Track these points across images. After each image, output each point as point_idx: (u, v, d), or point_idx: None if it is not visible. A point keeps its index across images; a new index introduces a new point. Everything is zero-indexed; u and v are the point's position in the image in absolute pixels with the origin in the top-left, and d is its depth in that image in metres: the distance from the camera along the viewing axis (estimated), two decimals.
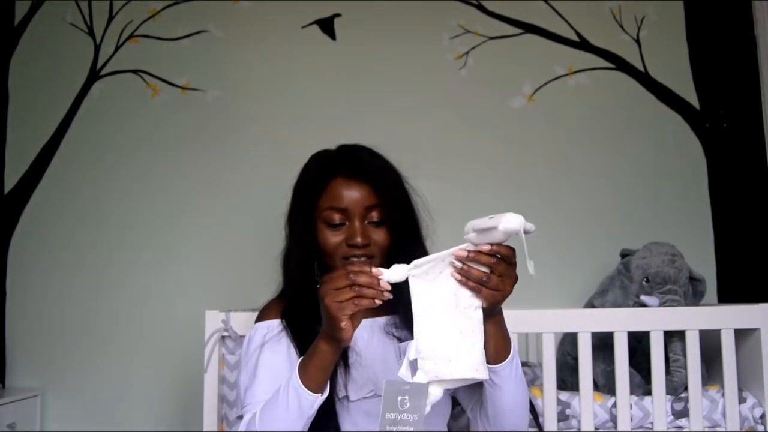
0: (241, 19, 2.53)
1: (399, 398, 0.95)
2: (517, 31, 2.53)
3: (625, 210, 2.45)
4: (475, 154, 2.47)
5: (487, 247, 0.99)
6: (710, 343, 1.78)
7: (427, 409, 0.98)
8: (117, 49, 2.52)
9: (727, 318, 1.71)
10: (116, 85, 2.51)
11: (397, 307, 1.13)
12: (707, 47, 2.52)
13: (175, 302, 2.39)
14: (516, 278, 1.03)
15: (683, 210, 2.45)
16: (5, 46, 2.52)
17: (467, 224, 1.02)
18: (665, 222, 2.43)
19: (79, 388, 2.39)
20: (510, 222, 0.96)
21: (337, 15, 2.53)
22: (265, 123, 2.49)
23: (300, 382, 1.02)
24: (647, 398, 1.72)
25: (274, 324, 1.21)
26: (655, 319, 1.71)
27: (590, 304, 1.99)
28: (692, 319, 1.70)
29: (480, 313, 1.00)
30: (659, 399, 1.68)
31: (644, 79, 2.51)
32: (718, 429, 1.70)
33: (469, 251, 0.99)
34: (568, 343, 1.92)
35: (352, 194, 1.18)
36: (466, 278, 0.99)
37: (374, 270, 0.98)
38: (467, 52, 2.52)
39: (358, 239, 1.16)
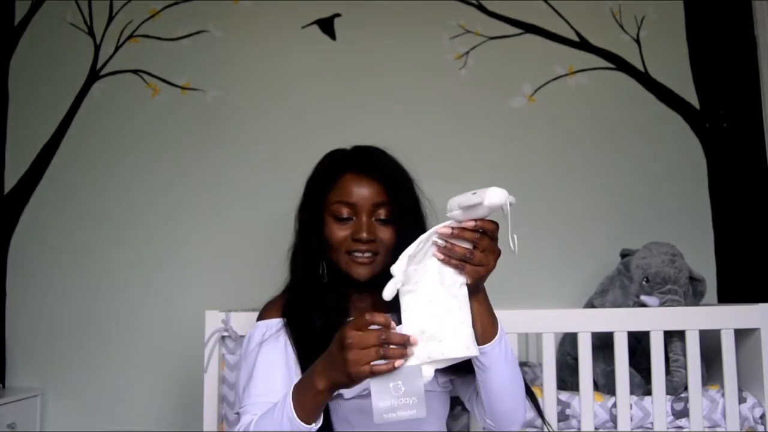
0: (241, 19, 2.53)
1: (391, 384, 0.91)
2: (517, 31, 2.53)
3: (625, 210, 2.45)
4: (474, 154, 2.47)
5: (471, 224, 0.99)
6: (710, 343, 1.78)
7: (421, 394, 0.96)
8: (117, 49, 2.52)
9: (727, 318, 1.71)
10: (116, 85, 2.51)
11: (394, 304, 1.14)
12: (707, 47, 2.52)
13: (175, 302, 2.39)
14: (499, 252, 1.03)
15: (683, 210, 2.45)
16: (5, 46, 2.52)
17: (450, 201, 1.02)
18: (665, 222, 2.43)
19: (79, 388, 2.39)
20: (494, 196, 0.94)
21: (337, 15, 2.53)
22: (265, 123, 2.49)
23: (294, 413, 0.99)
24: (647, 398, 1.72)
25: (273, 323, 1.22)
26: (655, 319, 1.71)
27: (590, 304, 1.99)
28: (692, 319, 1.70)
29: (465, 290, 1.01)
30: (659, 399, 1.68)
31: (644, 79, 2.52)
32: (718, 429, 1.70)
33: (453, 228, 0.99)
34: (568, 343, 1.92)
35: (361, 190, 1.19)
36: (449, 257, 1.00)
37: (393, 323, 0.95)
38: (467, 52, 2.52)
39: (364, 234, 1.17)
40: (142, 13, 2.53)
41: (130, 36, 2.53)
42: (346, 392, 1.14)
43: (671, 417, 1.70)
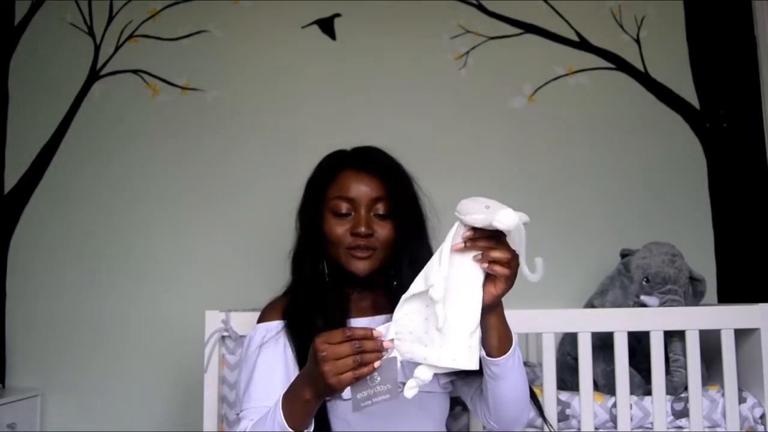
0: (241, 19, 2.53)
1: (368, 378, 0.93)
2: (517, 31, 2.53)
3: (625, 210, 2.45)
4: (474, 154, 2.47)
5: (499, 226, 0.97)
6: (710, 343, 1.78)
7: (414, 391, 0.96)
8: (117, 49, 2.52)
9: (727, 318, 1.71)
10: (116, 85, 2.51)
11: (394, 304, 1.14)
12: (707, 47, 2.52)
13: (175, 302, 2.39)
14: (516, 255, 1.00)
15: (683, 210, 2.45)
16: (5, 46, 2.52)
17: (461, 204, 0.99)
18: (665, 222, 2.43)
19: (79, 388, 2.39)
20: (504, 220, 0.94)
21: (337, 15, 2.53)
22: (265, 123, 2.49)
23: (285, 422, 1.00)
24: (647, 398, 1.71)
25: (273, 325, 1.22)
26: (655, 319, 1.71)
27: (590, 304, 1.99)
28: (692, 319, 1.70)
29: (477, 302, 0.98)
30: (659, 399, 1.68)
31: (644, 79, 2.51)
32: (718, 429, 1.70)
33: (465, 242, 0.97)
34: (568, 343, 1.92)
35: (360, 185, 1.20)
36: (478, 251, 0.97)
37: (375, 332, 0.95)
38: (467, 52, 2.52)
39: (362, 228, 1.18)
40: (142, 13, 2.53)
41: (130, 36, 2.52)
42: (345, 393, 1.14)
43: (671, 417, 1.70)
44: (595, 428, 1.68)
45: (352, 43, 2.52)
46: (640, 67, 2.52)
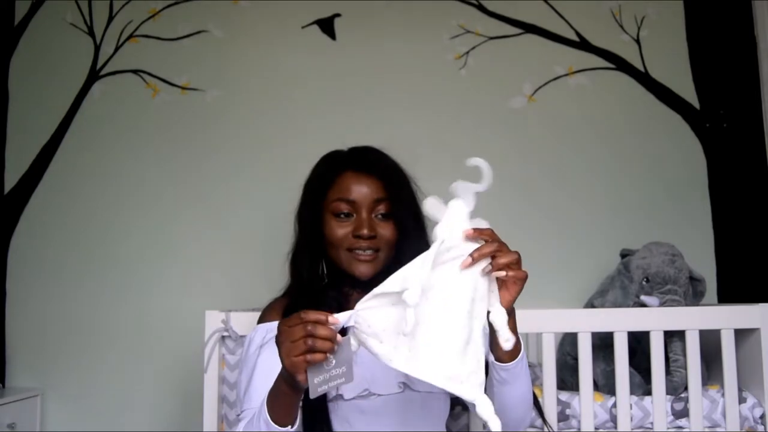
0: (241, 19, 2.52)
1: (323, 362, 0.92)
2: (517, 31, 2.53)
3: (625, 210, 2.45)
4: (474, 154, 2.45)
5: (470, 232, 0.98)
6: (710, 343, 1.78)
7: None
8: (117, 49, 2.52)
9: (727, 318, 1.71)
10: (116, 85, 2.51)
11: None
12: (707, 47, 2.52)
13: (175, 302, 2.39)
14: (517, 253, 1.00)
15: (683, 210, 2.45)
16: (5, 46, 2.52)
17: (441, 225, 0.99)
18: (665, 222, 2.43)
19: (79, 388, 2.38)
20: (453, 210, 0.96)
21: (337, 15, 2.53)
22: (265, 123, 2.49)
23: (269, 417, 1.00)
24: (647, 398, 1.72)
25: (273, 326, 1.21)
26: (655, 319, 1.71)
27: (590, 304, 1.99)
28: (692, 319, 1.70)
29: (478, 322, 0.96)
30: (659, 399, 1.68)
31: (644, 79, 2.51)
32: (718, 429, 1.70)
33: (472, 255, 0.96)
34: (568, 343, 1.92)
35: (361, 187, 1.20)
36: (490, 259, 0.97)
37: (330, 318, 0.92)
38: (467, 52, 2.52)
39: (365, 231, 1.18)
40: (142, 13, 2.52)
41: (130, 36, 2.52)
42: (346, 393, 1.15)
43: (671, 417, 1.70)
44: (595, 428, 1.68)
45: (352, 43, 2.52)
46: (640, 67, 2.52)
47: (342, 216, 1.20)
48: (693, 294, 1.96)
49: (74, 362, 2.39)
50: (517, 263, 0.95)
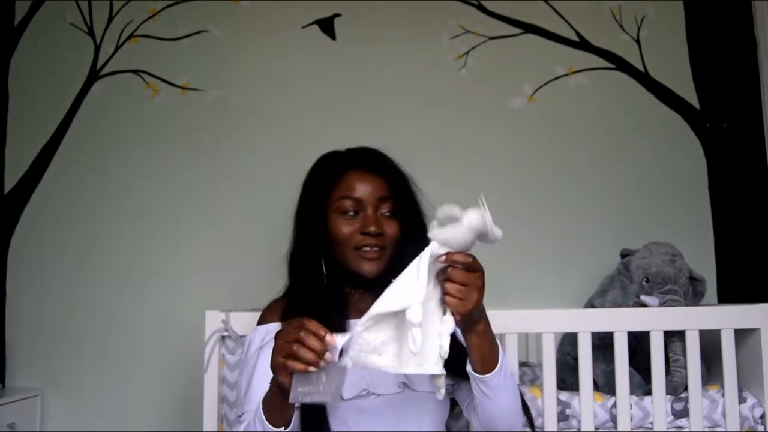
0: (241, 19, 2.53)
1: (314, 375, 0.93)
2: (517, 31, 2.53)
3: (625, 210, 2.45)
4: (474, 154, 2.47)
5: (442, 258, 0.98)
6: (710, 343, 1.78)
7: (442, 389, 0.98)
8: (117, 49, 2.52)
9: (727, 318, 1.71)
10: (116, 85, 2.51)
11: None
12: (707, 47, 2.52)
13: (175, 302, 2.39)
14: (481, 285, 1.01)
15: (683, 210, 2.45)
16: (5, 46, 2.52)
17: (440, 232, 1.00)
18: (665, 222, 2.43)
19: (79, 388, 2.39)
20: (473, 218, 0.96)
21: (337, 15, 2.53)
22: (265, 123, 2.49)
23: (264, 418, 1.02)
24: (647, 398, 1.72)
25: (272, 328, 1.22)
26: (655, 319, 1.71)
27: (590, 304, 1.99)
28: (692, 319, 1.70)
29: (438, 315, 0.99)
30: (659, 399, 1.68)
31: (644, 79, 2.51)
32: (718, 429, 1.70)
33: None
34: (568, 343, 1.92)
35: (365, 185, 1.21)
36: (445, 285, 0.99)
37: (328, 336, 0.93)
38: (467, 52, 2.52)
39: (373, 228, 1.18)
40: (142, 13, 2.53)
41: (130, 36, 2.52)
42: (345, 393, 1.15)
43: (671, 417, 1.70)
44: (595, 428, 1.68)
45: (352, 43, 2.52)
46: (640, 67, 2.52)
47: (348, 214, 1.20)
48: (693, 294, 1.96)
49: (74, 362, 2.39)
50: (460, 293, 0.98)
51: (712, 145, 2.49)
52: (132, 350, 2.39)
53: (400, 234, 1.21)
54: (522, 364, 2.06)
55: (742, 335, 1.74)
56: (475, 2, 2.54)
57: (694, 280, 1.95)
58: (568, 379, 1.88)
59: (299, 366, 0.91)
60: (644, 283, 1.90)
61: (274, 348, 0.96)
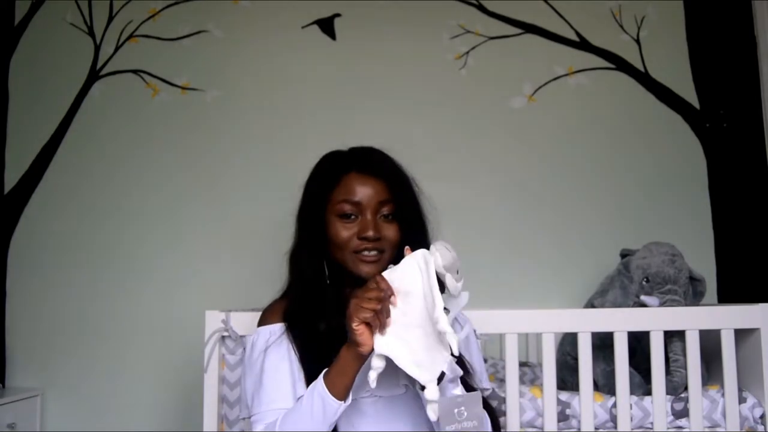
0: (241, 19, 2.53)
1: (455, 411, 1.01)
2: (517, 31, 2.53)
3: (625, 210, 2.45)
4: (475, 154, 2.47)
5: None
6: (710, 343, 1.78)
7: (373, 380, 1.02)
8: (117, 49, 2.52)
9: (727, 318, 1.71)
10: (116, 85, 2.51)
11: None
12: (707, 47, 2.52)
13: (175, 302, 2.39)
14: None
15: (683, 210, 2.46)
16: (5, 46, 2.52)
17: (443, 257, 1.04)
18: (665, 222, 2.43)
19: (79, 388, 2.39)
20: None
21: (337, 15, 2.53)
22: (265, 123, 2.49)
23: (326, 389, 1.05)
24: (647, 398, 1.71)
25: (276, 328, 1.21)
26: (655, 319, 1.71)
27: (590, 304, 1.99)
28: (692, 319, 1.70)
29: (443, 322, 1.02)
30: (659, 399, 1.68)
31: (644, 79, 2.52)
32: (718, 429, 1.70)
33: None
34: (568, 343, 1.92)
35: (365, 188, 1.20)
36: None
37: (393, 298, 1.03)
38: (467, 52, 2.52)
39: (371, 232, 1.18)
40: (142, 13, 2.53)
41: (130, 36, 2.52)
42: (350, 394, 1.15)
43: (671, 417, 1.70)
44: (595, 428, 1.68)
45: (352, 43, 2.52)
46: (640, 67, 2.52)
47: (347, 217, 1.20)
48: (693, 294, 1.96)
49: (74, 362, 2.40)
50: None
51: (712, 145, 2.49)
52: (132, 350, 2.39)
53: (400, 237, 1.21)
54: (522, 364, 2.06)
55: (742, 335, 1.74)
56: (475, 2, 2.54)
57: (694, 280, 1.95)
58: (568, 379, 1.88)
59: (379, 321, 1.01)
60: (644, 283, 1.90)
61: (353, 303, 1.02)
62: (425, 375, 1.00)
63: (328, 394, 1.05)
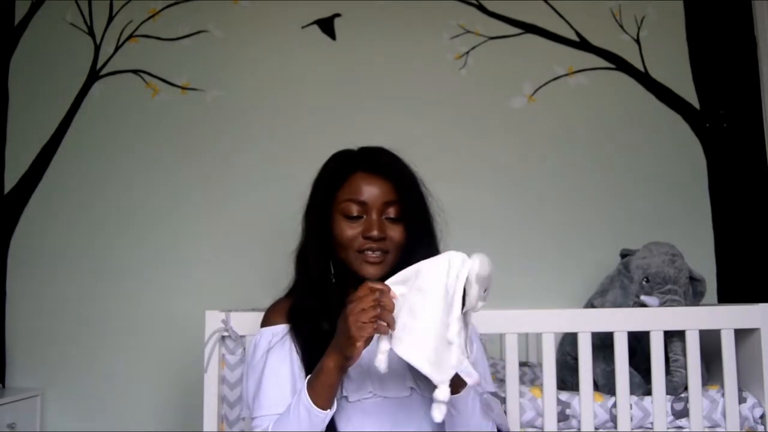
0: (241, 19, 2.53)
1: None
2: (517, 31, 2.53)
3: (625, 210, 2.45)
4: (475, 154, 2.47)
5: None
6: (710, 343, 1.78)
7: (382, 362, 1.01)
8: (117, 49, 2.52)
9: (727, 318, 1.71)
10: (116, 85, 2.51)
11: None
12: (707, 47, 2.52)
13: (175, 302, 2.39)
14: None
15: (683, 210, 2.46)
16: (5, 46, 2.52)
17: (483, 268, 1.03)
18: (665, 222, 2.43)
19: (79, 388, 2.39)
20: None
21: (337, 15, 2.53)
22: (265, 123, 2.49)
23: (310, 401, 1.05)
24: (647, 398, 1.72)
25: (279, 329, 1.21)
26: (655, 319, 1.71)
27: (590, 304, 1.99)
28: (692, 319, 1.70)
29: (459, 324, 1.01)
30: (659, 399, 1.68)
31: (644, 79, 2.52)
32: (718, 429, 1.70)
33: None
34: (568, 343, 1.92)
35: (371, 188, 1.20)
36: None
37: (392, 292, 1.02)
38: (467, 52, 2.52)
39: (375, 232, 1.17)
40: (142, 13, 2.53)
41: (130, 36, 2.52)
42: (351, 395, 1.15)
43: (671, 417, 1.70)
44: (595, 428, 1.68)
45: (352, 43, 2.52)
46: (640, 67, 2.52)
47: (353, 217, 1.20)
48: (693, 294, 1.96)
49: (74, 362, 2.40)
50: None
51: (712, 145, 2.49)
52: (132, 350, 2.39)
53: (406, 238, 1.21)
54: (522, 364, 2.06)
55: (742, 335, 1.74)
56: (475, 2, 2.54)
57: (694, 280, 1.95)
58: (568, 379, 1.88)
59: (383, 328, 0.99)
60: (644, 283, 1.90)
61: (352, 321, 0.99)
62: (438, 375, 0.99)
63: (313, 405, 1.04)
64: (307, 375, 1.13)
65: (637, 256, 1.96)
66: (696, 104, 2.50)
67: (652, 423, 1.69)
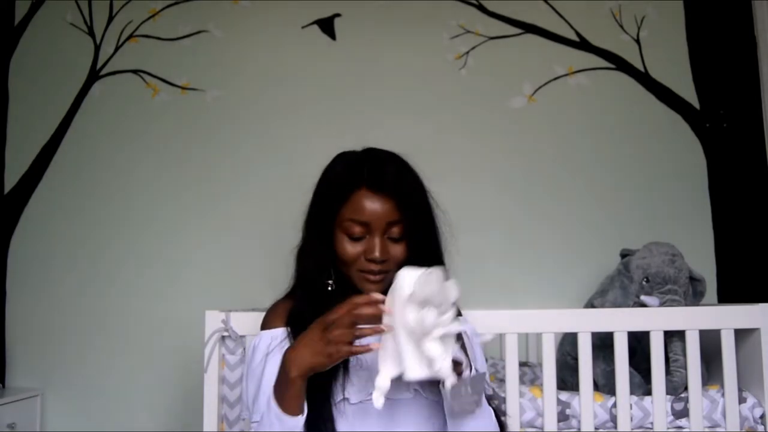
0: (241, 19, 2.53)
1: (462, 388, 1.03)
2: (517, 31, 2.53)
3: (625, 210, 2.45)
4: (474, 154, 2.47)
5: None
6: (710, 343, 1.78)
7: (378, 399, 1.01)
8: (117, 49, 2.52)
9: (727, 318, 1.71)
10: (116, 85, 2.51)
11: None
12: (707, 47, 2.52)
13: (175, 302, 2.39)
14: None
15: (683, 210, 2.46)
16: (5, 46, 2.52)
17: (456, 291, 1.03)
18: (665, 222, 2.43)
19: (79, 388, 2.39)
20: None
21: (337, 15, 2.53)
22: (265, 123, 2.49)
23: (281, 411, 1.04)
24: (647, 398, 1.72)
25: (278, 333, 1.21)
26: (655, 319, 1.71)
27: (590, 304, 1.99)
28: (692, 319, 1.70)
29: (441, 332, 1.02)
30: (659, 399, 1.68)
31: (644, 79, 2.52)
32: (718, 429, 1.70)
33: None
34: (568, 343, 1.92)
35: (374, 208, 1.17)
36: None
37: (373, 296, 1.01)
38: (467, 52, 2.52)
39: (377, 254, 1.16)
40: (142, 13, 2.53)
41: (130, 36, 2.53)
42: (352, 397, 1.14)
43: (671, 417, 1.70)
44: (595, 428, 1.68)
45: (352, 43, 2.52)
46: (640, 67, 2.52)
47: (355, 237, 1.18)
48: (693, 294, 1.96)
49: (74, 362, 2.40)
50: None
51: (712, 145, 2.49)
52: (132, 350, 2.39)
53: (408, 256, 1.20)
54: (522, 364, 2.06)
55: (742, 335, 1.74)
56: (475, 2, 2.54)
57: (694, 280, 1.95)
58: (568, 379, 1.88)
59: (362, 349, 0.99)
60: (644, 283, 1.90)
61: (329, 339, 1.00)
62: (438, 373, 1.00)
63: (285, 415, 1.04)
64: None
65: (637, 256, 1.96)
66: (696, 104, 2.50)
67: (652, 423, 1.69)
